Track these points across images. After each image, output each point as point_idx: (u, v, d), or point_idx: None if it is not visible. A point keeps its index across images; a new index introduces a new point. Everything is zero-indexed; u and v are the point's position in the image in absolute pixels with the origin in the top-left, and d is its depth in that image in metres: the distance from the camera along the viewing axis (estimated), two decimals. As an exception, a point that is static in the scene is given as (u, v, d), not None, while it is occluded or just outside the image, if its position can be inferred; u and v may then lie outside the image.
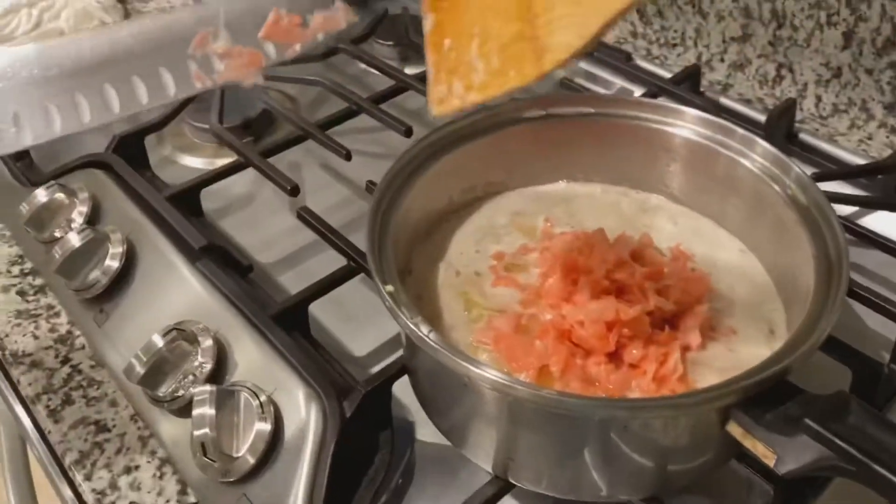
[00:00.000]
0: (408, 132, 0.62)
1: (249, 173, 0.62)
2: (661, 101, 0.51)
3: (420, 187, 0.48)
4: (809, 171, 0.60)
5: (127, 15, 0.85)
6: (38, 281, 0.59)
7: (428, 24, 0.38)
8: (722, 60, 0.76)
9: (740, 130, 0.47)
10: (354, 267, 0.52)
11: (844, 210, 0.59)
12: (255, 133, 0.70)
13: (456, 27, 0.37)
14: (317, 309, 0.52)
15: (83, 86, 0.59)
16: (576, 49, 0.33)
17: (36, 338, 0.54)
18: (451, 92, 0.36)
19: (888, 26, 0.64)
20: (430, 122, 0.67)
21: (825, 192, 0.43)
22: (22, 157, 0.67)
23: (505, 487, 0.41)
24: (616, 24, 0.32)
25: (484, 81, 0.36)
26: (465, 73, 0.36)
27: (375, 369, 0.48)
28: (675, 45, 0.79)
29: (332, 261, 0.53)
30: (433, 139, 0.50)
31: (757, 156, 0.46)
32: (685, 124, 0.48)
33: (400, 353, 0.46)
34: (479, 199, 0.53)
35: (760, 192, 0.45)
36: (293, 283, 0.56)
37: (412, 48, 0.78)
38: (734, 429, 0.36)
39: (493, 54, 0.35)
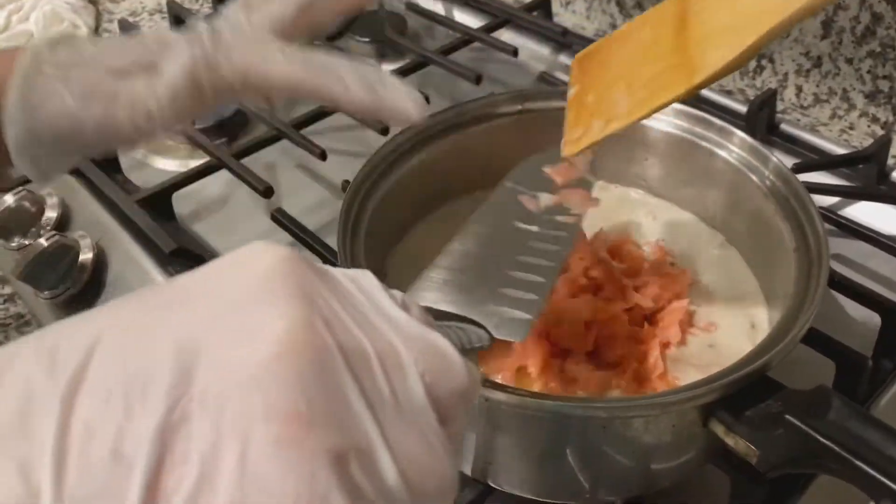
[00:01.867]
0: (384, 130, 0.61)
1: (223, 175, 0.61)
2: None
3: (394, 186, 0.47)
4: (791, 161, 0.60)
5: (98, 17, 0.84)
6: (7, 290, 0.57)
7: (572, 92, 0.37)
8: (702, 52, 0.75)
9: (718, 122, 0.46)
10: (330, 269, 0.51)
11: (826, 200, 0.58)
12: (229, 134, 0.68)
13: (600, 84, 0.36)
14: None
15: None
16: (729, 61, 0.32)
17: (5, 348, 0.53)
18: (588, 131, 0.35)
19: (867, 15, 0.63)
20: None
21: (807, 182, 0.42)
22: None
23: (485, 492, 0.40)
24: (773, 40, 0.31)
25: (629, 110, 0.35)
26: (606, 110, 0.35)
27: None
28: (654, 37, 0.79)
29: (308, 263, 0.52)
30: (407, 137, 0.49)
31: (735, 147, 0.45)
32: (663, 117, 0.48)
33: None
34: (455, 196, 0.52)
35: (739, 183, 0.45)
36: (269, 286, 0.55)
37: (388, 45, 0.77)
38: (716, 426, 0.35)
39: (639, 88, 0.35)
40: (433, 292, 0.31)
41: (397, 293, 0.24)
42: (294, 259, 0.21)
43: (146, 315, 0.20)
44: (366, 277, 0.23)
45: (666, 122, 0.48)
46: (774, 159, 0.43)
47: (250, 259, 0.21)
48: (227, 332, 0.19)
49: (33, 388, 0.19)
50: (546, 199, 0.38)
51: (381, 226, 0.46)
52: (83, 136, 0.35)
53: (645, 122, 0.48)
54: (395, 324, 0.22)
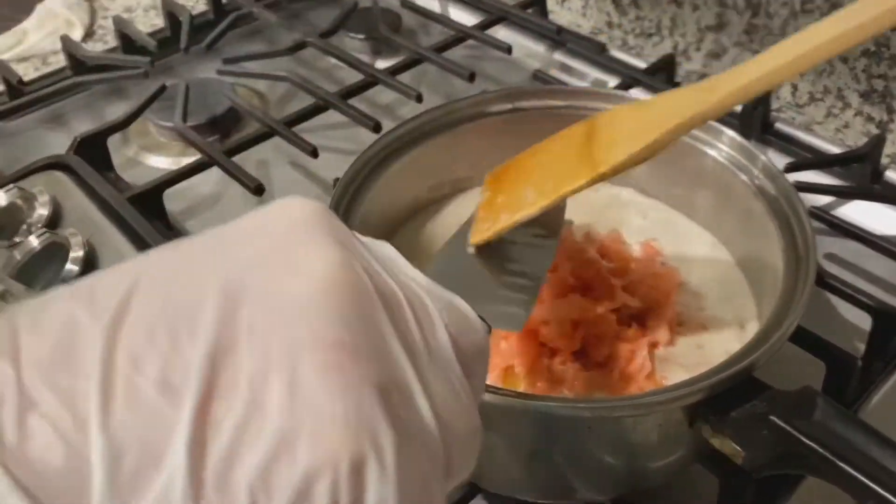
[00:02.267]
0: (376, 127, 0.60)
1: (215, 172, 0.61)
2: (630, 92, 0.50)
3: (384, 185, 0.47)
4: (786, 160, 0.60)
5: (93, 13, 0.84)
6: (-3, 288, 0.57)
7: (483, 198, 0.40)
8: (698, 49, 0.75)
9: (712, 123, 0.46)
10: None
11: (820, 200, 0.58)
12: (222, 131, 0.68)
13: (510, 187, 0.39)
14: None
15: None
16: (632, 153, 0.35)
17: (-5, 345, 0.53)
18: (497, 222, 0.37)
19: (862, 12, 0.63)
20: (400, 118, 0.67)
21: (800, 182, 0.42)
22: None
23: (471, 492, 0.40)
24: (674, 139, 0.35)
25: (534, 200, 0.37)
26: (514, 203, 0.38)
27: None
28: (650, 35, 0.78)
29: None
30: (397, 135, 0.48)
31: (724, 146, 0.45)
32: (652, 115, 0.47)
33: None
34: (446, 195, 0.52)
35: (728, 183, 0.45)
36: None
37: (383, 41, 0.76)
38: (702, 427, 0.35)
39: (545, 184, 0.37)
40: None
41: None
42: (328, 211, 0.22)
43: (187, 259, 0.21)
44: (385, 246, 0.24)
45: (656, 121, 0.47)
46: (763, 158, 0.43)
47: (288, 208, 0.22)
48: (271, 270, 0.20)
49: (75, 323, 0.19)
50: None
51: (371, 224, 0.46)
52: None
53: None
54: (418, 281, 0.23)
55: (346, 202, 0.44)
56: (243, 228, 0.22)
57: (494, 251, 0.36)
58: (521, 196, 0.37)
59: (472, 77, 0.66)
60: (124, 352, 0.18)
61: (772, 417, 0.33)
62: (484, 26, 0.75)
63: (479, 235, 0.37)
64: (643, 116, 0.36)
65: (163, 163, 0.67)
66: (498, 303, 0.32)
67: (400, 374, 0.20)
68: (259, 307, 0.19)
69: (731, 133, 0.45)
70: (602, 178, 0.35)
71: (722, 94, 0.34)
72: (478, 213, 0.38)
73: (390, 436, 0.19)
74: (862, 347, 0.47)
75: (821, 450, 0.31)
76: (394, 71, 0.68)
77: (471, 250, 0.36)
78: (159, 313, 0.19)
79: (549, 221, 0.37)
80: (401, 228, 0.50)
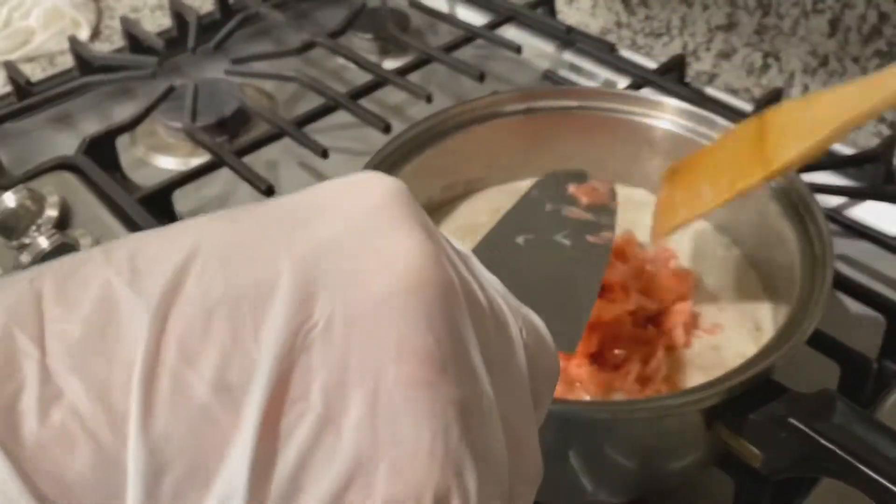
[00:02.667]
0: (386, 128, 0.60)
1: (224, 173, 0.60)
2: (642, 92, 0.50)
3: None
4: (796, 161, 0.59)
5: (99, 13, 0.84)
6: None
7: (662, 194, 0.43)
8: (708, 50, 0.75)
9: (721, 121, 0.46)
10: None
11: (833, 201, 0.58)
12: (231, 131, 0.68)
13: (686, 185, 0.42)
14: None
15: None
16: (801, 152, 0.37)
17: (5, 346, 0.53)
18: (676, 218, 0.41)
19: (874, 13, 0.62)
20: (411, 118, 0.66)
21: (813, 182, 0.42)
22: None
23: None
24: (845, 134, 0.37)
25: (711, 197, 0.39)
26: (691, 200, 0.40)
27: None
28: (660, 35, 0.78)
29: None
30: (410, 135, 0.48)
31: (740, 147, 0.45)
32: (667, 116, 0.47)
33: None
34: (459, 196, 0.52)
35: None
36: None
37: (392, 41, 0.76)
38: (720, 430, 0.35)
39: (721, 181, 0.39)
40: None
41: None
42: (410, 193, 0.18)
43: (253, 229, 0.17)
44: (458, 242, 0.20)
45: (670, 122, 0.47)
46: (780, 160, 0.43)
47: (366, 184, 0.18)
48: (349, 256, 0.17)
49: (114, 297, 0.15)
50: (576, 213, 0.38)
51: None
52: None
53: (649, 120, 0.48)
54: (496, 288, 0.19)
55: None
56: (317, 202, 0.18)
57: (543, 250, 0.34)
58: (698, 192, 0.40)
59: (482, 77, 0.66)
60: (174, 341, 0.15)
61: (791, 420, 0.33)
62: (493, 26, 0.75)
63: (661, 229, 0.40)
64: (811, 113, 0.38)
65: (171, 163, 0.67)
66: (547, 314, 0.29)
67: (481, 396, 0.17)
68: (338, 300, 0.16)
69: (746, 134, 0.44)
70: (774, 175, 0.37)
71: (888, 91, 0.35)
72: (658, 208, 0.41)
73: (474, 470, 0.16)
74: (875, 348, 0.46)
75: (841, 452, 0.31)
76: (403, 71, 0.68)
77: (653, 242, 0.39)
78: (219, 297, 0.15)
79: (604, 224, 0.37)
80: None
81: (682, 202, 0.40)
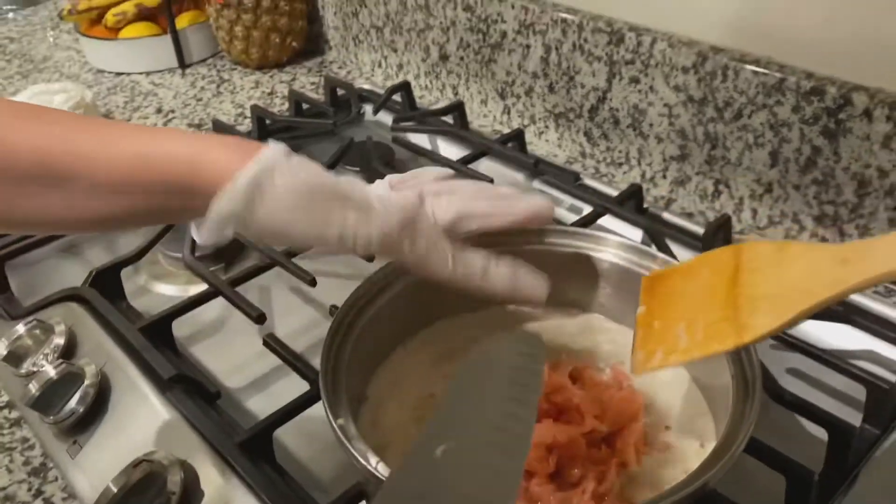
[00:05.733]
0: (370, 258, 0.66)
1: (220, 300, 0.65)
2: (590, 229, 0.56)
3: (379, 311, 0.52)
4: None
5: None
6: (14, 414, 0.61)
7: (641, 311, 0.47)
8: (664, 177, 0.82)
9: (660, 255, 0.51)
10: (316, 393, 0.55)
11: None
12: (227, 260, 0.74)
13: (665, 313, 0.45)
14: (283, 432, 0.54)
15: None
16: (772, 329, 0.40)
17: (10, 471, 0.56)
18: (653, 356, 0.44)
19: (808, 147, 0.70)
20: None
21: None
22: (3, 290, 0.71)
23: None
24: (811, 314, 0.40)
25: (687, 348, 0.42)
26: (670, 343, 0.43)
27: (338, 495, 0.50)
28: (620, 164, 0.85)
29: (299, 384, 0.56)
30: (393, 266, 0.53)
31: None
32: (610, 249, 0.53)
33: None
34: (433, 321, 0.57)
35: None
36: (261, 406, 0.59)
37: (377, 174, 0.83)
38: (667, 543, 0.38)
39: (697, 331, 0.43)
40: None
41: None
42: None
43: None
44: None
45: (613, 254, 0.53)
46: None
47: None
48: None
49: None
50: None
51: (365, 349, 0.50)
52: (287, 240, 0.44)
53: (595, 254, 0.54)
54: None
55: (343, 332, 0.48)
56: None
57: (481, 372, 0.35)
58: (675, 334, 0.43)
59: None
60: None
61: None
62: (469, 160, 0.82)
63: (638, 368, 0.43)
64: (785, 278, 0.41)
65: (171, 290, 0.72)
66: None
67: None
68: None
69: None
70: (746, 345, 0.41)
71: (861, 277, 0.38)
72: (637, 333, 0.45)
73: None
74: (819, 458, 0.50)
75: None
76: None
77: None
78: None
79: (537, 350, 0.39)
80: (392, 353, 0.54)
81: (660, 337, 0.44)
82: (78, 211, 0.42)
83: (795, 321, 0.40)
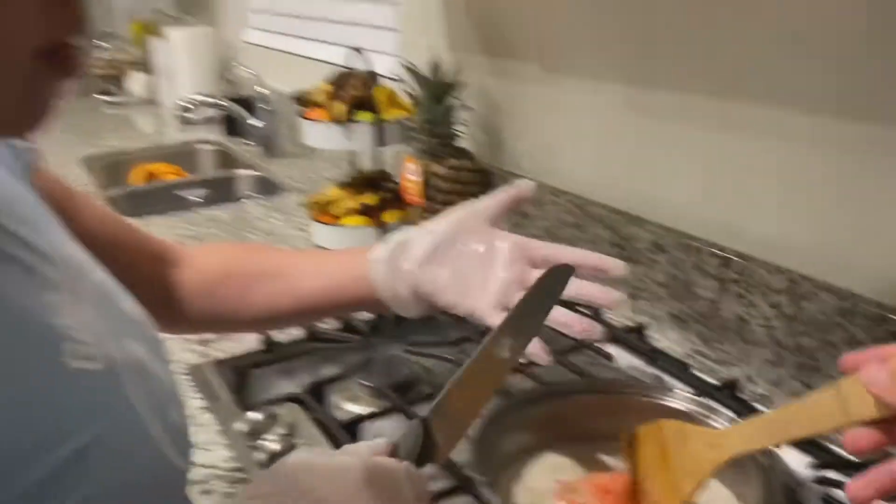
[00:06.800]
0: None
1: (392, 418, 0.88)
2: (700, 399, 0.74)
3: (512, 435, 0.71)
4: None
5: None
6: (241, 475, 0.84)
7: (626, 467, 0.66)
8: (761, 376, 0.97)
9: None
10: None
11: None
12: (402, 391, 0.97)
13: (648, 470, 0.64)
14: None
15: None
16: (691, 491, 0.59)
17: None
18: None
19: (880, 362, 0.84)
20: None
21: (825, 477, 0.60)
22: (242, 387, 0.98)
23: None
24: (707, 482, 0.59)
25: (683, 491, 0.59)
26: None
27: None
28: (725, 363, 1.02)
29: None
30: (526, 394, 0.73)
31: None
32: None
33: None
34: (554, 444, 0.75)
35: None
36: None
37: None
38: None
39: (666, 484, 0.61)
40: None
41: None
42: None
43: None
44: None
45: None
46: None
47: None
48: None
49: None
50: None
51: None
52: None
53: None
54: None
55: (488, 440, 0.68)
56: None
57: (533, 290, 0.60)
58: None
59: (581, 373, 0.92)
60: None
61: None
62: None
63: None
64: (686, 455, 0.59)
65: (356, 409, 0.96)
66: None
67: None
68: None
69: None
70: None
71: (721, 458, 0.57)
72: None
73: None
74: None
75: None
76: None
77: None
78: None
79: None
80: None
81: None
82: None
83: (698, 488, 0.58)
